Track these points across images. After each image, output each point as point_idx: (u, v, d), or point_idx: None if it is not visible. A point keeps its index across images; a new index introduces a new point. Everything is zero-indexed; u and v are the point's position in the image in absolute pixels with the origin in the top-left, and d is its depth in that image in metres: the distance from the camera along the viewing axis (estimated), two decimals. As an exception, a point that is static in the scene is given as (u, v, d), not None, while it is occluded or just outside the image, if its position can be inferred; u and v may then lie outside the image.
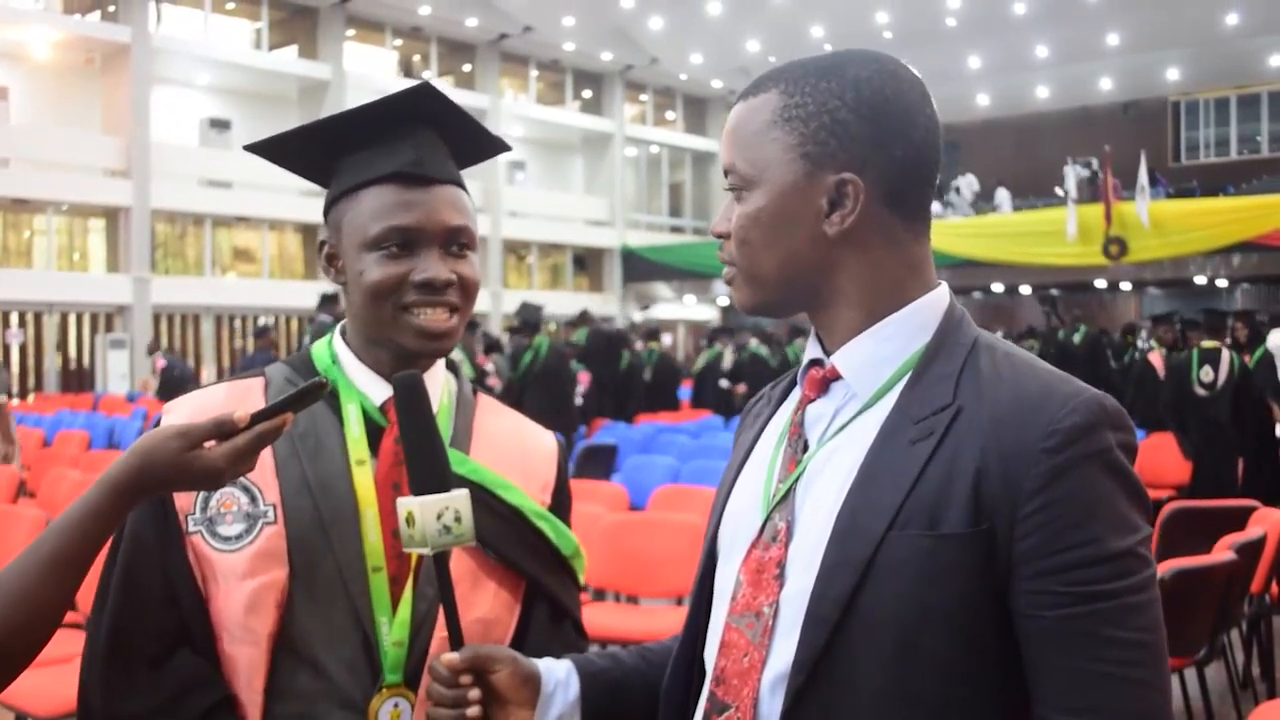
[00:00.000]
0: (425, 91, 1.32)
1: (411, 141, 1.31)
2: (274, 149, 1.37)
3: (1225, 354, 7.47)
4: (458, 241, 1.31)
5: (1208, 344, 7.53)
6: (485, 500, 1.30)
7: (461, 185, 1.35)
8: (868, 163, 1.03)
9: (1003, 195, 21.72)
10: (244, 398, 1.33)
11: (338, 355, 1.37)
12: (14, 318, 18.24)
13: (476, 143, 1.41)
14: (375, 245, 1.27)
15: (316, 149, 1.35)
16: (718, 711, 1.05)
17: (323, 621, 1.26)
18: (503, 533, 1.28)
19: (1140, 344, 14.87)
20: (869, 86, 1.03)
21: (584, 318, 12.73)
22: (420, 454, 1.19)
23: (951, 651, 0.95)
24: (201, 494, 1.27)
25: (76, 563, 1.09)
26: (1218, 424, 7.35)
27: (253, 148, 1.36)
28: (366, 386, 1.33)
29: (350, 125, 1.33)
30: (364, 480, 1.29)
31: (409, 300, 1.28)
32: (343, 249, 1.32)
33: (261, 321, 20.14)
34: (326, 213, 1.35)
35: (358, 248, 1.29)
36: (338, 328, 1.40)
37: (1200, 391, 7.38)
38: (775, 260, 1.06)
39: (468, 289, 1.32)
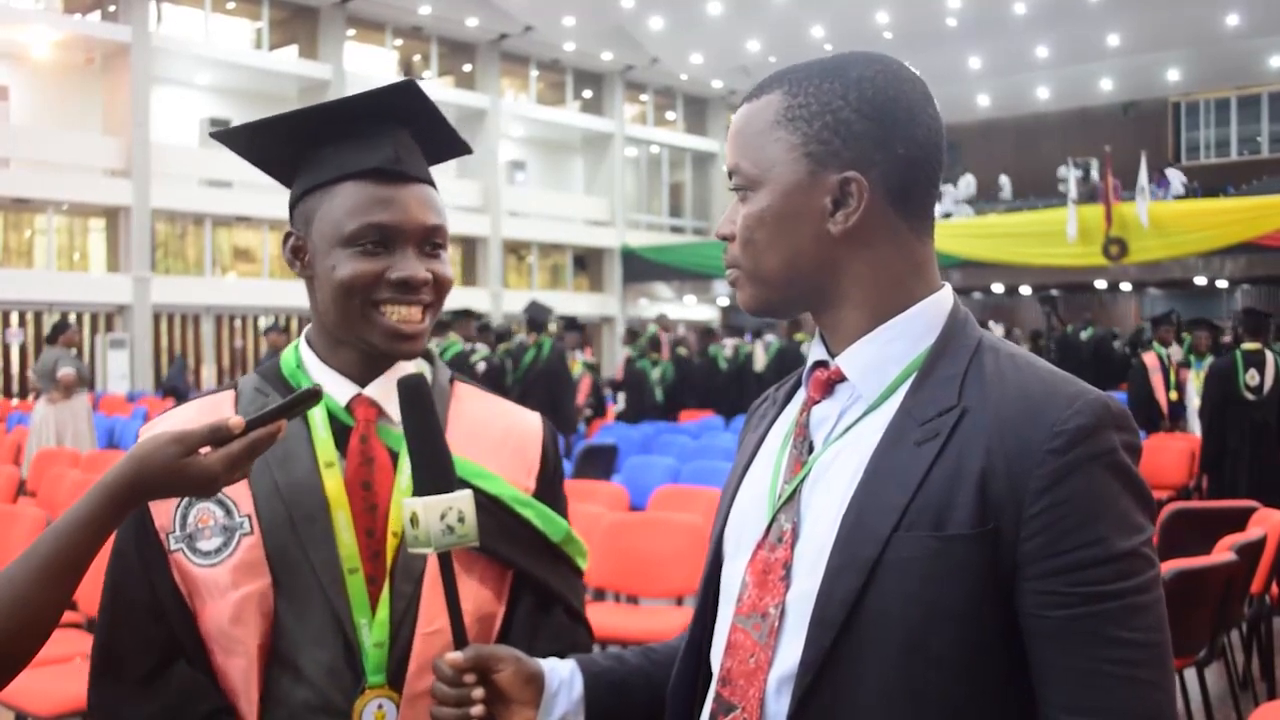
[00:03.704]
0: (408, 89, 1.31)
1: (390, 138, 1.30)
2: (242, 137, 1.34)
3: (1269, 356, 7.19)
4: (432, 240, 1.31)
5: (1249, 346, 7.22)
6: None
7: (434, 184, 1.35)
8: (872, 162, 1.03)
9: (1004, 181, 21.83)
10: (215, 413, 1.31)
11: (302, 360, 1.36)
12: (14, 318, 18.24)
13: (445, 143, 1.40)
14: (351, 241, 1.26)
15: (289, 140, 1.33)
16: (724, 712, 1.05)
17: (303, 626, 1.26)
18: (484, 524, 1.26)
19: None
20: (871, 86, 1.04)
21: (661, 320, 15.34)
22: (424, 455, 1.19)
23: (957, 651, 0.95)
24: (180, 512, 1.28)
25: (71, 568, 1.09)
26: (1265, 427, 7.09)
27: (219, 135, 1.34)
28: (331, 388, 1.33)
29: (327, 118, 1.31)
30: (334, 482, 1.29)
31: (381, 297, 1.27)
32: (312, 243, 1.30)
33: (263, 322, 20.12)
34: (294, 205, 1.33)
35: (331, 243, 1.27)
36: (303, 334, 1.40)
37: (1248, 396, 7.12)
38: (780, 260, 1.07)
39: (442, 287, 1.32)
